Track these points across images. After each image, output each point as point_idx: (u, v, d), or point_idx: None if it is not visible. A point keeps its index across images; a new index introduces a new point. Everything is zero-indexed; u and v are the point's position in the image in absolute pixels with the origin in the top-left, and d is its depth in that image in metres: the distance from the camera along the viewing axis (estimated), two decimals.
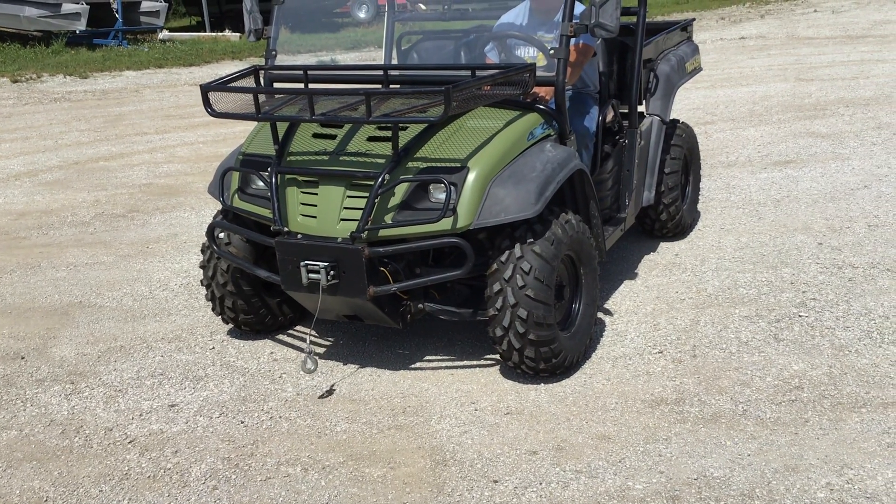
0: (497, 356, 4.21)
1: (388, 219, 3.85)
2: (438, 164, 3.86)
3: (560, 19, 4.30)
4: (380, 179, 3.80)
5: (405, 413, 3.87)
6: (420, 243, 3.83)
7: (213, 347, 4.64)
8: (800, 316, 4.57)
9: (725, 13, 22.15)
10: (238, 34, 21.13)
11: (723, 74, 12.28)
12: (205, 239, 4.43)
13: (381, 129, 4.03)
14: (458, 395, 3.99)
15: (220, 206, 4.45)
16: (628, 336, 4.48)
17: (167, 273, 5.83)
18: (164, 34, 21.19)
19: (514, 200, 3.81)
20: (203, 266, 4.55)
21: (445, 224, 3.77)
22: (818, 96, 10.54)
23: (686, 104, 10.10)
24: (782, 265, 5.27)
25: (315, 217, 3.97)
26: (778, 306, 4.70)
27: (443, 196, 3.82)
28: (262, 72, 4.54)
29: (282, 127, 4.21)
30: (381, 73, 4.38)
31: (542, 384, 4.03)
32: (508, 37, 4.59)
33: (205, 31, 22.53)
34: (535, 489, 3.28)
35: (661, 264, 5.42)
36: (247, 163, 4.26)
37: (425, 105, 3.84)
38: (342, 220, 3.91)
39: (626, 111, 5.15)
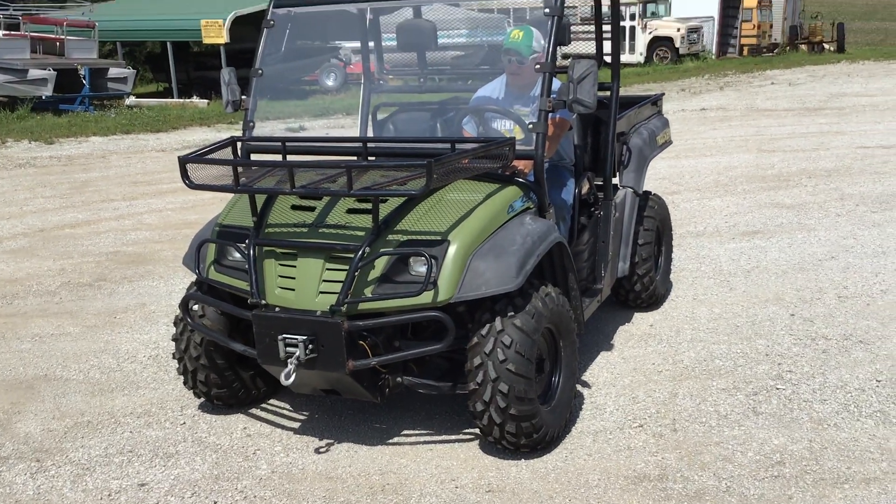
0: (477, 431, 4.15)
1: (367, 292, 3.81)
2: (419, 237, 3.84)
3: (536, 93, 4.37)
4: (360, 252, 3.77)
5: (384, 491, 3.79)
6: (400, 317, 3.79)
7: (184, 423, 4.53)
8: (777, 388, 4.57)
9: (685, 84, 22.69)
10: (206, 101, 21.21)
11: (686, 145, 12.50)
12: (176, 310, 4.35)
13: (360, 201, 4.02)
14: (438, 472, 3.92)
15: (192, 277, 4.39)
16: (607, 409, 4.45)
17: (135, 344, 5.71)
18: (132, 100, 21.23)
19: (495, 274, 3.79)
20: (175, 339, 4.46)
21: (426, 297, 3.74)
22: (781, 167, 10.75)
23: (652, 174, 10.16)
24: (756, 336, 5.29)
25: (293, 290, 3.92)
26: (755, 378, 4.71)
27: (423, 269, 3.80)
28: (240, 143, 4.53)
29: (260, 198, 4.18)
30: (359, 144, 4.38)
31: (523, 460, 3.98)
32: (486, 110, 4.63)
33: (172, 98, 22.60)
34: None
35: (637, 335, 5.42)
36: (224, 234, 4.22)
37: (406, 178, 3.85)
38: (321, 292, 3.86)
39: (601, 183, 5.20)
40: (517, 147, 4.10)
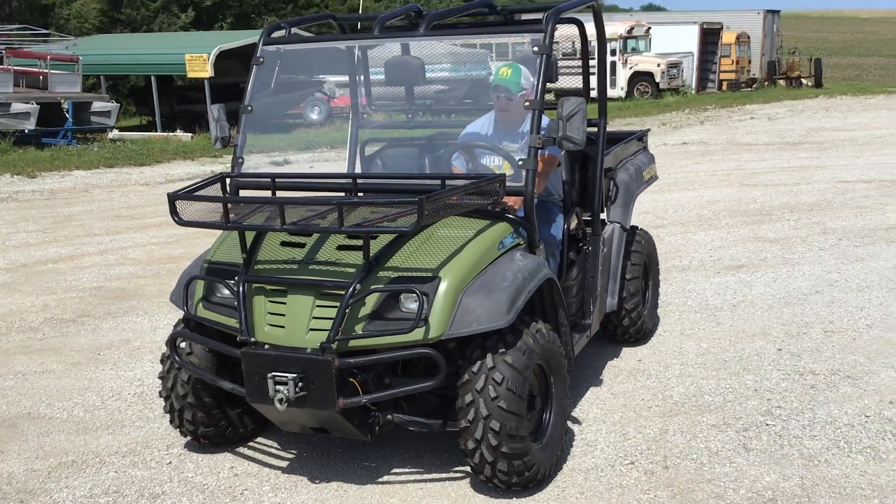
0: (467, 469, 4.12)
1: (358, 329, 3.79)
2: (409, 274, 3.83)
3: (525, 129, 4.40)
4: (350, 289, 3.76)
5: None
6: (392, 354, 3.77)
7: (170, 462, 4.47)
8: (767, 424, 4.57)
9: (666, 119, 22.90)
10: (190, 134, 21.21)
11: (669, 179, 12.58)
12: (161, 347, 4.31)
13: (350, 237, 4.01)
14: None
15: (178, 313, 4.36)
16: (598, 446, 4.42)
17: (120, 382, 5.65)
18: (115, 133, 21.19)
19: (486, 311, 3.78)
20: (162, 377, 4.42)
21: (417, 334, 3.72)
22: (763, 201, 10.84)
23: (636, 208, 10.26)
24: (745, 371, 5.30)
25: (283, 327, 3.89)
26: (744, 414, 4.70)
27: (414, 306, 3.79)
28: (230, 179, 4.52)
29: (249, 235, 4.17)
30: (349, 180, 4.38)
31: (515, 498, 3.94)
32: (475, 146, 4.64)
33: (156, 131, 22.58)
34: None
35: (626, 370, 5.41)
36: (212, 271, 4.20)
37: (396, 214, 3.84)
38: (311, 329, 3.84)
39: (589, 219, 5.22)
40: (507, 183, 4.12)
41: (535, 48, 4.23)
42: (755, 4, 37.95)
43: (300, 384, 3.76)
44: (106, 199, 13.10)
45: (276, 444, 4.60)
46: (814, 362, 5.39)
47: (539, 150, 4.18)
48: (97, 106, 21.06)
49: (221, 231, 4.45)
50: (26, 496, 4.16)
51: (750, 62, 35.43)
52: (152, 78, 23.90)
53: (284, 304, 3.92)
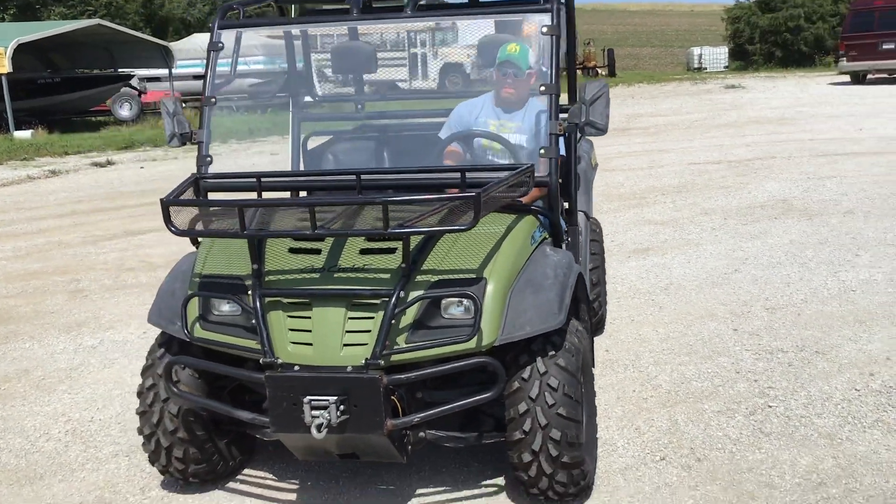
0: (496, 481, 3.84)
1: (400, 341, 3.41)
2: (451, 277, 3.48)
3: (529, 112, 4.26)
4: (393, 297, 3.37)
5: None
6: (446, 366, 3.41)
7: None
8: (769, 406, 4.56)
9: None
10: (30, 131, 19.36)
11: None
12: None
13: (370, 240, 3.61)
14: None
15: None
16: (618, 444, 4.25)
17: (41, 419, 4.92)
18: None
19: (537, 312, 3.50)
20: (143, 412, 3.82)
21: (470, 343, 3.39)
22: (629, 186, 11.09)
23: None
24: (716, 354, 5.30)
25: (311, 344, 3.44)
26: (742, 398, 4.67)
27: (457, 311, 3.46)
28: (205, 181, 3.99)
29: (240, 244, 3.67)
30: (352, 178, 3.94)
31: None
32: (477, 135, 4.34)
33: None
34: None
35: (600, 362, 5.27)
36: (209, 286, 3.66)
37: (432, 212, 3.48)
38: (346, 345, 3.42)
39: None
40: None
41: (545, 28, 3.97)
42: None
43: (342, 407, 3.34)
44: None
45: (270, 476, 4.11)
46: (775, 340, 5.47)
47: (559, 138, 3.94)
48: None
49: (204, 241, 3.92)
50: None
51: None
52: None
53: (309, 318, 3.47)
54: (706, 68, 39.11)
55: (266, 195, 3.99)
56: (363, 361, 3.34)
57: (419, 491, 3.92)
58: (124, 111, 22.90)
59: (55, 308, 7.07)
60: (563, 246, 4.06)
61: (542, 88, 3.94)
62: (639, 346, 5.49)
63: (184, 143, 4.21)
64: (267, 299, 3.51)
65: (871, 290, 6.29)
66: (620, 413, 4.58)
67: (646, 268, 7.25)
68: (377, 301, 3.43)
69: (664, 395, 4.77)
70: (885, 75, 25.52)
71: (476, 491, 3.89)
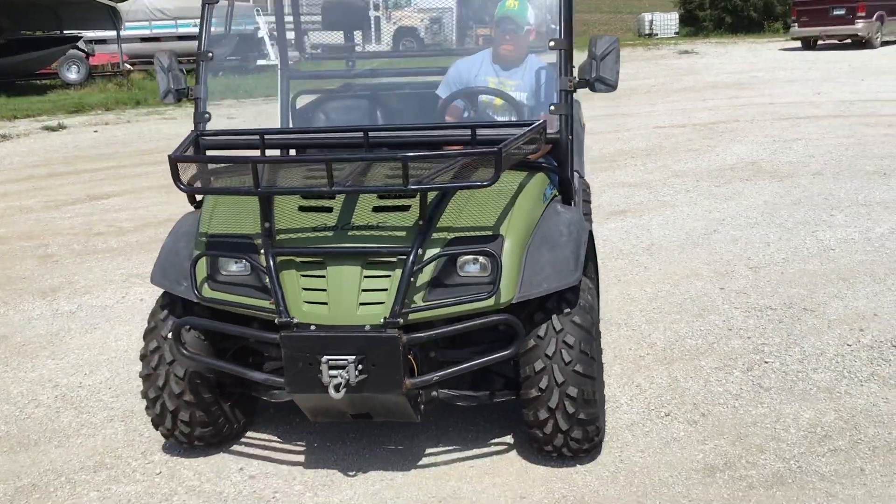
0: (504, 439, 3.85)
1: (418, 299, 3.36)
2: (468, 234, 3.44)
3: (528, 69, 4.26)
4: (412, 255, 3.32)
5: None
6: (465, 324, 3.38)
7: (160, 472, 3.82)
8: (765, 362, 4.62)
9: None
10: None
11: None
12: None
13: (382, 197, 3.55)
14: (500, 492, 3.55)
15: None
16: (621, 401, 4.27)
17: (27, 385, 4.80)
18: None
19: (554, 269, 3.48)
20: (147, 375, 3.74)
21: (489, 301, 3.36)
22: (598, 148, 11.09)
23: None
24: (706, 312, 5.34)
25: (326, 304, 3.38)
26: (737, 354, 4.72)
27: (473, 269, 3.43)
28: (205, 138, 3.88)
29: (249, 201, 3.58)
30: (359, 135, 3.86)
31: (578, 465, 3.70)
32: (485, 93, 4.28)
33: None
34: None
35: None
36: (217, 245, 3.57)
37: (443, 169, 3.43)
38: (362, 304, 3.36)
39: None
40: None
41: None
42: None
43: (360, 366, 3.29)
44: None
45: (275, 438, 4.06)
46: (762, 298, 5.53)
47: (569, 94, 3.90)
48: None
49: (206, 200, 3.82)
50: None
51: None
52: None
53: (324, 277, 3.41)
54: (657, 34, 39.25)
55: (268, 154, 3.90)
56: (381, 320, 3.30)
57: (428, 451, 3.90)
58: (72, 74, 22.27)
59: (26, 273, 6.88)
60: (573, 203, 4.03)
61: (552, 44, 3.90)
62: (629, 306, 5.52)
63: (179, 100, 4.10)
64: (279, 258, 3.43)
65: (849, 249, 6.39)
66: (619, 371, 4.60)
67: (625, 229, 7.28)
68: (393, 259, 3.38)
69: (660, 353, 4.80)
70: (836, 41, 25.85)
71: (485, 449, 3.88)
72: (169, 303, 3.76)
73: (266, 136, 3.87)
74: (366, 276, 3.39)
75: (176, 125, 15.75)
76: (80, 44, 22.78)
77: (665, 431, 3.97)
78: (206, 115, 4.02)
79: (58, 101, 19.26)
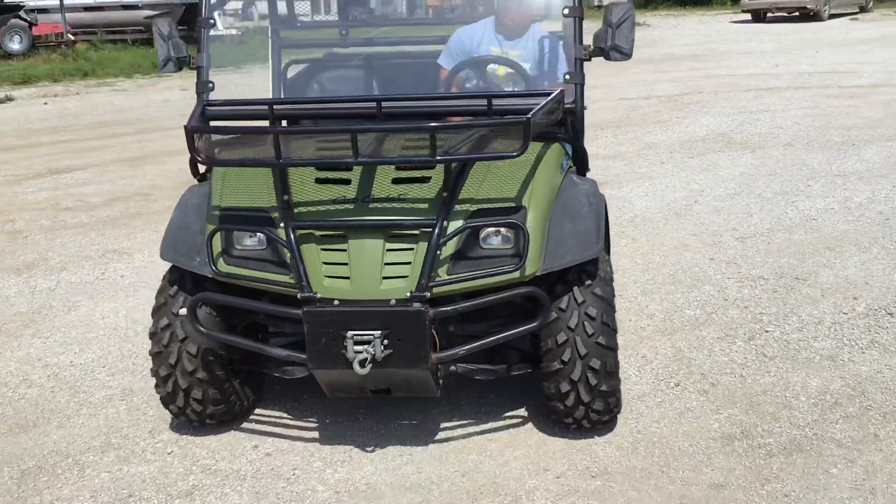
0: (519, 412, 3.85)
1: (442, 273, 3.32)
2: (492, 206, 3.40)
3: (531, 38, 4.25)
4: (437, 228, 3.27)
5: (485, 495, 3.34)
6: (492, 297, 3.34)
7: (171, 451, 3.73)
8: (766, 331, 4.66)
9: None
10: None
11: None
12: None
13: (401, 169, 3.48)
14: (523, 465, 3.53)
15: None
16: (629, 372, 4.27)
17: (14, 364, 4.66)
18: None
19: (577, 241, 3.46)
20: (158, 353, 3.63)
21: (515, 273, 3.33)
22: None
23: None
24: (699, 283, 5.37)
25: (348, 278, 3.31)
26: (737, 324, 4.76)
27: (496, 241, 3.40)
28: (211, 108, 3.77)
29: (262, 173, 3.49)
30: (371, 105, 3.77)
31: (596, 436, 3.70)
32: (496, 62, 4.22)
33: None
34: None
35: None
36: (232, 219, 3.46)
37: (464, 140, 3.39)
38: (385, 278, 3.30)
39: None
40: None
41: None
42: None
43: (385, 341, 3.24)
44: None
45: (285, 415, 3.99)
46: (753, 268, 5.58)
47: (583, 62, 3.87)
48: None
49: (215, 172, 3.71)
50: None
51: None
52: None
53: (345, 251, 3.34)
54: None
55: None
56: (407, 294, 3.24)
57: (443, 425, 3.87)
58: (14, 44, 21.58)
59: None
60: (586, 174, 4.01)
61: (566, 11, 3.87)
62: (622, 277, 5.51)
63: (180, 69, 3.97)
64: (299, 232, 3.35)
65: (831, 219, 6.48)
66: (623, 343, 4.56)
67: (607, 200, 7.26)
68: (416, 232, 3.33)
69: (661, 324, 4.82)
70: (785, 13, 26.17)
71: (501, 423, 3.86)
72: (178, 279, 3.66)
73: (275, 106, 3.77)
74: (388, 250, 3.33)
75: (129, 97, 15.40)
76: (22, 13, 22.09)
77: (677, 402, 3.98)
78: (210, 85, 3.91)
79: (1, 72, 18.67)
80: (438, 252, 3.29)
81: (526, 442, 3.70)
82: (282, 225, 3.35)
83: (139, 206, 7.86)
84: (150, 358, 3.68)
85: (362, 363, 3.22)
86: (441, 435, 3.79)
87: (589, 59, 3.85)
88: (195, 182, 3.98)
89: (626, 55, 3.81)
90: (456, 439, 3.75)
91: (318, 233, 3.36)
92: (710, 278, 5.44)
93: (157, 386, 3.71)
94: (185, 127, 3.26)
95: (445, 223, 3.30)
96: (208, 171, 3.99)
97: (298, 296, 3.28)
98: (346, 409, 3.99)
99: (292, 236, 3.31)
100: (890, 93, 11.76)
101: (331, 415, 3.96)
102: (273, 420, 3.95)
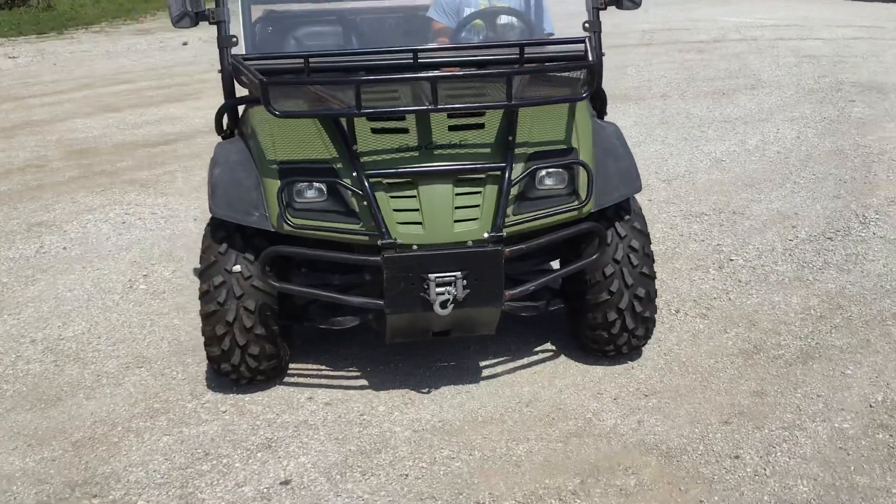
0: (546, 346, 4.10)
1: (509, 213, 3.47)
2: (547, 149, 3.58)
3: None
4: (508, 170, 3.41)
5: (557, 419, 3.55)
6: (559, 234, 3.53)
7: (225, 410, 3.70)
8: (731, 260, 5.09)
9: None
10: None
11: None
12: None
13: (453, 116, 3.58)
14: (576, 391, 3.76)
15: None
16: None
17: (13, 335, 4.41)
18: None
19: (621, 179, 3.71)
20: (213, 312, 3.57)
21: (575, 211, 3.53)
22: None
23: None
24: (651, 222, 5.58)
25: (421, 223, 3.41)
26: (702, 256, 5.16)
27: (550, 182, 3.58)
28: (245, 61, 3.72)
29: (309, 124, 3.50)
30: (408, 56, 3.83)
31: (630, 362, 3.99)
32: (506, 13, 4.35)
33: None
34: (781, 450, 3.30)
35: None
36: (294, 171, 3.45)
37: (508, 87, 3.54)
38: (456, 221, 3.42)
39: None
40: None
41: None
42: None
43: (464, 282, 3.37)
44: None
45: (324, 367, 4.03)
46: (691, 206, 6.03)
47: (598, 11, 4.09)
48: None
49: (254, 127, 3.66)
50: (93, 489, 3.19)
51: None
52: None
53: (415, 197, 3.42)
54: None
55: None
56: (484, 235, 3.38)
57: (482, 363, 4.03)
58: None
59: None
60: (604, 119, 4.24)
61: None
62: None
63: (196, 24, 3.87)
64: (366, 182, 3.40)
65: (738, 160, 7.05)
66: None
67: None
68: (482, 175, 3.45)
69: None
70: None
71: (535, 357, 4.07)
72: (225, 236, 3.61)
73: (311, 60, 3.76)
74: (457, 194, 3.44)
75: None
76: None
77: (685, 326, 4.33)
78: (234, 39, 3.84)
79: None
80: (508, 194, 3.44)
81: (569, 371, 3.93)
82: (352, 174, 3.38)
83: (37, 177, 7.42)
84: (202, 318, 3.62)
85: (443, 304, 3.34)
86: (485, 372, 3.95)
87: (604, 8, 4.06)
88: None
89: (636, 4, 4.06)
90: (501, 374, 3.93)
91: (385, 181, 3.42)
92: (655, 217, 5.84)
93: (208, 346, 3.66)
94: (262, 81, 3.23)
95: (514, 167, 3.45)
96: (234, 129, 3.94)
97: (379, 242, 3.34)
98: (380, 357, 4.07)
99: (367, 185, 3.35)
100: (733, 46, 12.71)
101: (370, 364, 4.04)
102: (314, 373, 3.98)
